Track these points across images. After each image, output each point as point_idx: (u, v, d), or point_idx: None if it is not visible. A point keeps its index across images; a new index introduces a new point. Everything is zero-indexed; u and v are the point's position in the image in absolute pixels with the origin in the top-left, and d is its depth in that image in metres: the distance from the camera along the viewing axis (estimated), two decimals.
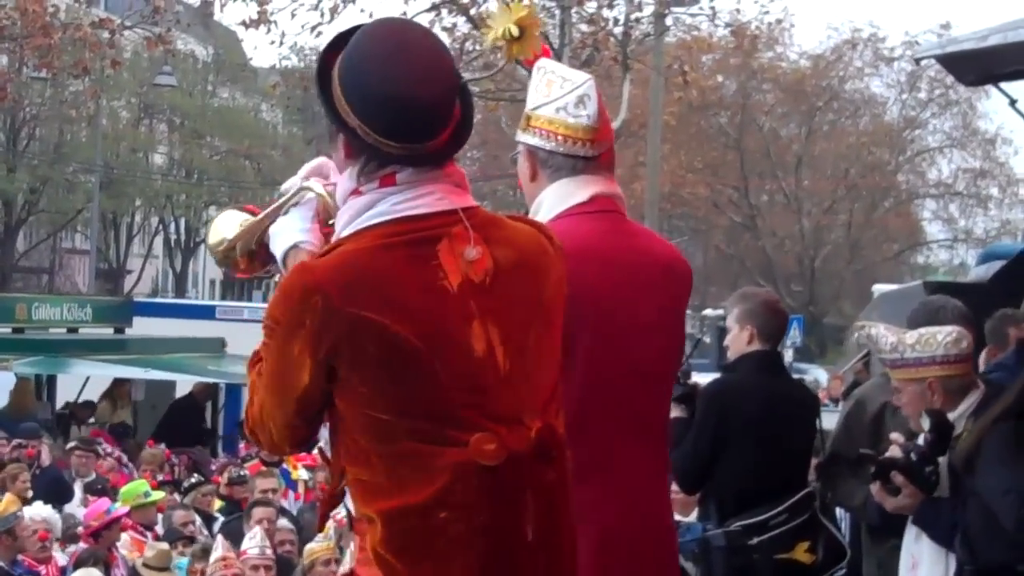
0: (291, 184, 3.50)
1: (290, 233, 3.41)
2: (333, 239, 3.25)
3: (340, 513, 3.56)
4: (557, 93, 4.02)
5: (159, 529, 11.20)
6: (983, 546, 5.18)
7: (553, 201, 4.02)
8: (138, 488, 11.52)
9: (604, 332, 3.92)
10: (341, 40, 3.21)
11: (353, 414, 3.14)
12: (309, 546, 9.04)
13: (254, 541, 8.65)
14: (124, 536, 10.66)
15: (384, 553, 3.15)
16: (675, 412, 6.30)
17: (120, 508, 10.99)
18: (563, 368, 3.46)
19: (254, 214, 3.57)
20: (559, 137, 4.04)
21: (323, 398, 3.16)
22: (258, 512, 10.25)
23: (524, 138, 4.08)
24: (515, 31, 3.63)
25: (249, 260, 3.57)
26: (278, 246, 3.42)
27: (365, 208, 3.15)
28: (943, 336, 5.62)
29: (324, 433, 3.29)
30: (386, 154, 3.15)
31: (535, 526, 3.19)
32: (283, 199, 3.48)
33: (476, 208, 3.24)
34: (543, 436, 3.18)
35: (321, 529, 8.52)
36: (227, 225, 3.58)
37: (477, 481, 3.12)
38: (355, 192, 3.18)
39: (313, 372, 3.11)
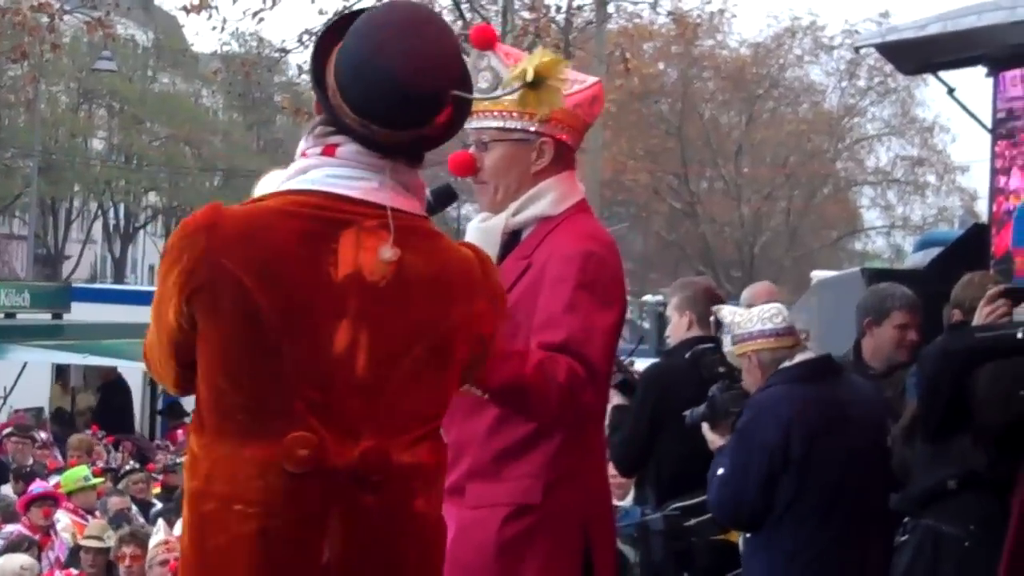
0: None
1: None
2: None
3: None
4: (569, 88, 3.96)
5: (98, 515, 11.23)
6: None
7: (561, 194, 4.05)
8: (79, 472, 11.58)
9: None
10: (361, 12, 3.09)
11: (201, 373, 3.03)
12: None
13: None
14: (65, 518, 10.66)
15: (188, 535, 3.07)
16: (615, 400, 6.35)
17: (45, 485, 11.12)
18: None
19: None
20: (576, 133, 4.07)
21: (188, 344, 3.03)
22: None
23: (548, 130, 4.03)
24: (530, 75, 3.40)
25: None
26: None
27: (300, 171, 3.05)
28: (763, 312, 5.88)
29: None
30: (343, 123, 3.03)
31: (336, 550, 3.01)
32: None
33: (415, 216, 3.08)
34: (368, 458, 2.99)
35: None
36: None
37: (280, 483, 2.96)
38: (303, 154, 3.07)
39: (176, 310, 3.01)
